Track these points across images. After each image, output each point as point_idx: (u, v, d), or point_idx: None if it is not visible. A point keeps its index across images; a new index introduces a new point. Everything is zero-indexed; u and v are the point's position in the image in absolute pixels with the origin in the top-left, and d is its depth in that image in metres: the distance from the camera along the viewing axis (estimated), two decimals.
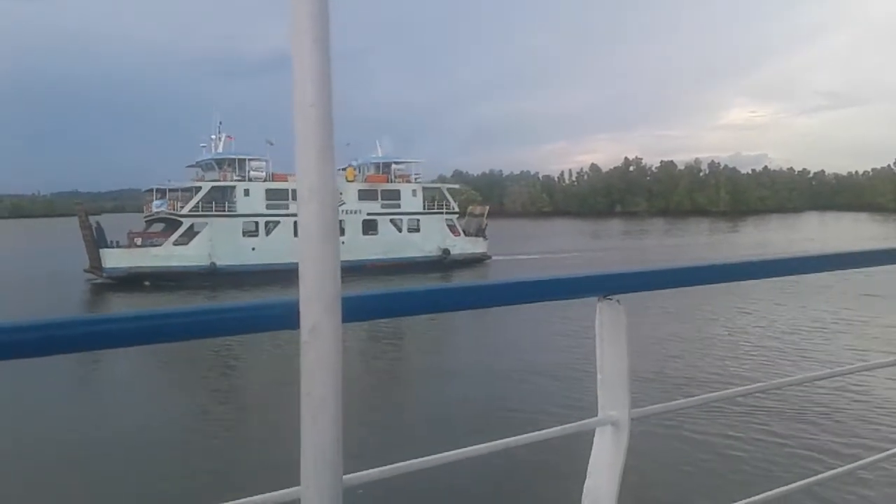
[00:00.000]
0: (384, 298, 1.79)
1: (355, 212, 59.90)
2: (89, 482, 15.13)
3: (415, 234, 61.71)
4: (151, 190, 58.05)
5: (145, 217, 58.71)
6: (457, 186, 70.92)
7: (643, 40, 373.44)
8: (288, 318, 1.19)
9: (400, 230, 61.82)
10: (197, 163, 60.18)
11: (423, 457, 1.79)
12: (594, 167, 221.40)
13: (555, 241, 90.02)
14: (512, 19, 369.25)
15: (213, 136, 58.88)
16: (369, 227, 61.03)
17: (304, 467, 1.00)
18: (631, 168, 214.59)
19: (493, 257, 65.74)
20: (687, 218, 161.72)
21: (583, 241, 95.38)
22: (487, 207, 68.56)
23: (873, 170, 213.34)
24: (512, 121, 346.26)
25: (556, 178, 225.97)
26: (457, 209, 64.72)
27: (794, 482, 2.64)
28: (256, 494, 1.51)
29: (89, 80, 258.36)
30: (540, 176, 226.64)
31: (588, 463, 2.12)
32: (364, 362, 25.25)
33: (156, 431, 18.40)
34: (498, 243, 69.67)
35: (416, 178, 64.33)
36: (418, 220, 62.34)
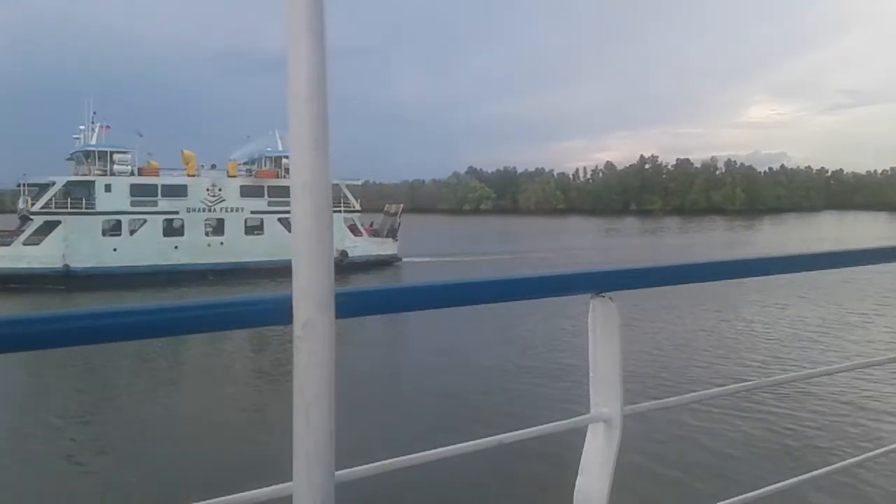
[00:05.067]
0: (378, 294, 1.70)
1: (237, 210, 52.35)
2: (80, 475, 14.92)
3: None
4: (21, 185, 51.25)
5: (18, 214, 52.09)
6: (358, 183, 62.23)
7: (663, 37, 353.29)
8: (281, 313, 1.16)
9: (289, 230, 53.56)
10: (71, 155, 53.38)
11: (415, 453, 1.71)
12: (609, 165, 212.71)
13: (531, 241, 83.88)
14: (529, 16, 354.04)
15: (83, 127, 51.87)
16: (254, 226, 53.39)
17: (296, 463, 0.97)
18: (647, 166, 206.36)
19: (405, 259, 57.54)
20: (702, 216, 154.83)
21: (567, 239, 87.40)
22: (402, 205, 60.06)
23: (892, 169, 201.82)
24: (528, 118, 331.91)
25: (570, 176, 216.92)
26: (358, 207, 56.49)
27: (789, 479, 2.52)
28: (248, 490, 1.44)
29: (105, 76, 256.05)
30: (555, 174, 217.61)
31: (580, 460, 2.01)
32: (351, 357, 23.41)
33: (145, 426, 17.92)
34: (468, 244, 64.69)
35: None
36: None
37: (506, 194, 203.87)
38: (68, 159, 53.63)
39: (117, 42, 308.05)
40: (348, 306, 1.45)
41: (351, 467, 1.52)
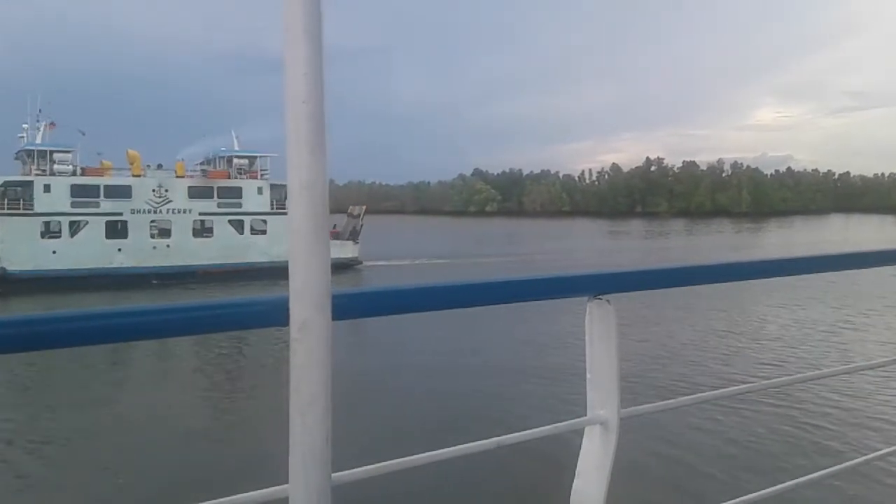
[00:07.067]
0: (375, 296, 1.70)
1: (184, 211, 49.35)
2: (73, 473, 14.73)
3: (259, 237, 50.64)
4: None
5: None
6: None
7: (669, 39, 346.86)
8: (278, 314, 1.15)
9: (241, 232, 50.85)
10: (17, 154, 50.80)
11: (412, 455, 1.68)
12: (615, 167, 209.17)
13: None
14: (536, 16, 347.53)
15: (26, 125, 49.13)
16: (202, 228, 50.39)
17: (292, 465, 0.96)
18: (652, 168, 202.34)
19: (367, 263, 54.28)
20: (708, 219, 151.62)
21: (565, 242, 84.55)
22: (365, 207, 56.81)
23: None
24: (534, 119, 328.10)
25: (576, 178, 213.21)
26: None
27: (786, 482, 2.49)
28: (244, 492, 1.42)
29: (110, 77, 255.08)
30: (560, 175, 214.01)
31: (577, 462, 1.98)
32: (347, 358, 22.32)
33: (137, 427, 17.42)
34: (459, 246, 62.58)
35: (263, 175, 53.15)
36: (265, 221, 51.21)
37: (511, 196, 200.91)
38: (16, 159, 51.09)
39: (117, 41, 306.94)
40: (345, 308, 1.42)
41: (348, 469, 1.48)
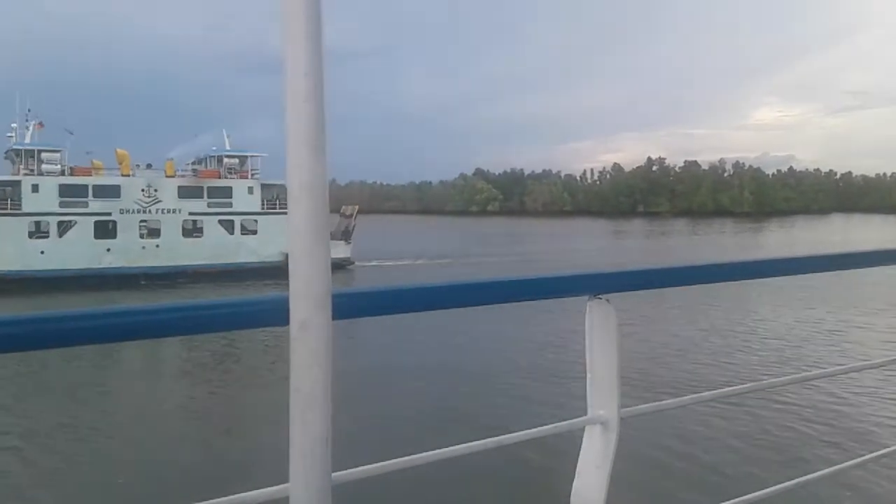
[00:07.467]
0: (375, 296, 1.71)
1: (174, 211, 48.41)
2: (73, 472, 14.62)
3: (250, 237, 49.73)
4: None
5: None
6: None
7: (671, 39, 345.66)
8: (278, 313, 1.13)
9: (232, 232, 49.94)
10: (6, 154, 49.93)
11: (412, 455, 1.69)
12: (617, 167, 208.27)
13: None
14: (537, 17, 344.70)
15: (14, 125, 48.31)
16: (192, 228, 49.49)
17: (292, 464, 0.95)
18: (654, 168, 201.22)
19: (359, 263, 53.28)
20: (710, 219, 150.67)
21: (563, 242, 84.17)
22: (357, 207, 55.77)
23: None
24: (535, 119, 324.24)
25: (578, 178, 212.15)
26: None
27: (786, 482, 2.47)
28: (245, 491, 1.44)
29: (110, 77, 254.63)
30: (562, 175, 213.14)
31: (577, 462, 1.98)
32: (346, 357, 22.11)
33: (138, 427, 17.48)
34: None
35: (254, 174, 52.22)
36: (255, 221, 50.29)
37: (513, 196, 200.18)
38: (5, 158, 50.33)
39: (117, 41, 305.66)
40: (345, 307, 1.44)
41: (348, 469, 1.49)
